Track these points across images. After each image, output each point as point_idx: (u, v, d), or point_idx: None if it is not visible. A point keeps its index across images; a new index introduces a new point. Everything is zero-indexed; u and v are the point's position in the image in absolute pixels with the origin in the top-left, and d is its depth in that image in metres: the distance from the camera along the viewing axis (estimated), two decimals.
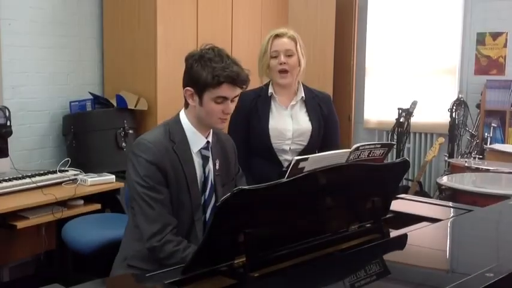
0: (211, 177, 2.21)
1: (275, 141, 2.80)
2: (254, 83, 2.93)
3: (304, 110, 2.86)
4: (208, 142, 2.21)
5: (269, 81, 2.87)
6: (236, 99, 2.17)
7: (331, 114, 2.92)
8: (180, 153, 2.13)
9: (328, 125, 2.89)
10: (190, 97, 2.13)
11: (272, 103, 2.84)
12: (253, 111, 2.83)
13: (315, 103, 2.88)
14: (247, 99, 2.84)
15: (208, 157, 2.21)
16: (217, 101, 2.09)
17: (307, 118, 2.84)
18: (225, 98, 2.10)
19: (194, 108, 2.15)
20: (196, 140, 2.18)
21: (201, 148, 2.19)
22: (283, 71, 2.76)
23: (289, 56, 2.76)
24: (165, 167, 2.08)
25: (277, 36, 2.79)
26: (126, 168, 2.19)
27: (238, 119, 2.83)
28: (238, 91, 2.13)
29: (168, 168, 2.08)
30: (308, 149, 2.77)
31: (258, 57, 2.85)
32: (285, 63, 2.75)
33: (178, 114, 2.22)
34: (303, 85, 2.89)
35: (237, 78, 2.08)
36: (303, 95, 2.86)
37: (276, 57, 2.77)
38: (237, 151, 2.77)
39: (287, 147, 2.81)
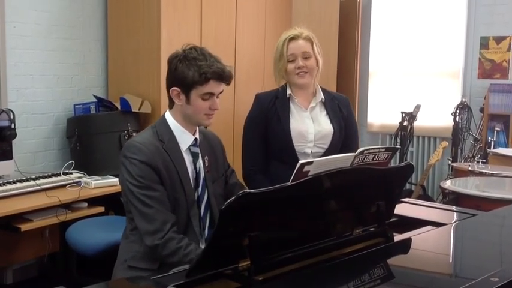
0: (202, 173, 2.25)
1: (296, 144, 2.69)
2: (258, 84, 2.96)
3: (325, 112, 2.77)
4: (196, 139, 2.26)
5: (286, 83, 2.78)
6: (220, 96, 2.21)
7: (350, 117, 2.84)
8: (170, 151, 2.17)
9: (348, 128, 2.80)
10: (176, 97, 2.18)
11: (291, 104, 2.75)
12: (271, 113, 2.72)
13: (334, 105, 2.79)
14: (264, 100, 2.76)
15: (198, 153, 2.25)
16: (204, 97, 2.15)
17: (328, 120, 2.75)
18: (211, 94, 2.16)
19: (181, 107, 2.19)
20: (185, 138, 2.23)
21: (190, 145, 2.24)
22: (302, 73, 2.69)
23: (307, 58, 2.68)
24: (158, 166, 2.11)
25: (292, 38, 2.69)
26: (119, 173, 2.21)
27: (255, 120, 2.75)
28: (222, 87, 2.19)
29: (160, 167, 2.12)
30: (329, 152, 2.65)
31: (274, 60, 2.75)
32: (303, 66, 2.67)
33: (164, 116, 2.26)
34: (321, 87, 2.81)
35: (223, 74, 2.15)
36: (322, 96, 2.77)
37: (293, 60, 2.68)
38: (255, 154, 2.74)
39: (309, 150, 2.70)
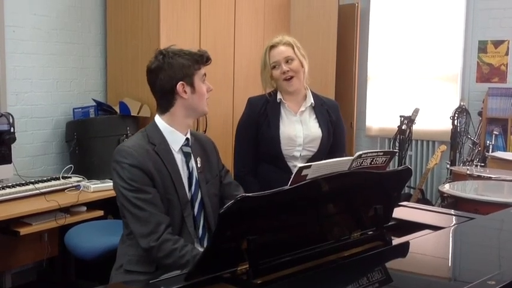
0: (195, 173, 2.26)
1: (285, 148, 2.78)
2: (256, 88, 2.98)
3: (314, 116, 2.85)
4: (187, 139, 2.27)
5: (276, 88, 2.86)
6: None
7: (339, 121, 2.93)
8: (161, 153, 2.18)
9: (336, 132, 2.89)
10: (183, 92, 2.20)
11: (281, 109, 2.83)
12: (262, 117, 2.81)
13: (323, 110, 2.87)
14: (256, 105, 2.84)
15: (190, 153, 2.27)
16: (203, 79, 2.24)
17: (317, 124, 2.83)
18: (205, 75, 2.26)
19: (185, 101, 2.21)
20: (176, 139, 2.24)
21: (182, 145, 2.25)
22: (289, 78, 2.76)
23: (290, 61, 2.76)
24: (149, 169, 2.12)
25: (272, 47, 2.79)
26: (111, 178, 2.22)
27: (247, 124, 2.85)
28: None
29: (151, 170, 2.12)
30: (318, 156, 2.76)
31: (260, 71, 2.84)
32: (288, 70, 2.75)
33: (154, 120, 2.28)
34: (312, 92, 2.88)
35: (208, 55, 2.26)
36: (312, 101, 2.84)
37: (276, 67, 2.77)
38: (245, 156, 2.83)
39: (298, 154, 2.79)
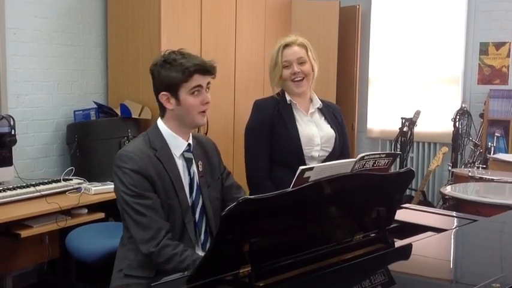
0: (196, 178, 2.25)
1: (305, 148, 2.73)
2: (258, 91, 2.98)
3: (323, 117, 2.84)
4: (189, 144, 2.26)
5: (281, 90, 2.82)
6: (209, 89, 2.20)
7: (343, 123, 2.93)
8: (162, 158, 2.17)
9: (343, 134, 2.89)
10: (167, 102, 2.18)
11: (294, 110, 2.79)
12: (277, 119, 2.75)
13: (329, 112, 2.87)
14: (267, 106, 2.79)
15: (192, 159, 2.25)
16: (193, 93, 2.15)
17: (328, 125, 2.82)
18: (199, 88, 2.16)
19: (173, 112, 2.19)
20: (177, 144, 2.22)
21: (184, 151, 2.23)
22: (298, 80, 2.73)
23: (302, 63, 2.73)
24: (150, 174, 2.11)
25: (286, 45, 2.74)
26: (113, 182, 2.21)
27: (260, 127, 2.77)
28: (208, 79, 2.19)
29: (153, 175, 2.11)
30: (332, 156, 2.75)
31: (269, 68, 2.80)
32: (299, 71, 2.72)
33: (155, 123, 2.26)
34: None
35: (205, 66, 2.15)
36: (320, 102, 2.83)
37: (287, 66, 2.73)
38: (261, 160, 2.75)
39: (316, 154, 2.75)
